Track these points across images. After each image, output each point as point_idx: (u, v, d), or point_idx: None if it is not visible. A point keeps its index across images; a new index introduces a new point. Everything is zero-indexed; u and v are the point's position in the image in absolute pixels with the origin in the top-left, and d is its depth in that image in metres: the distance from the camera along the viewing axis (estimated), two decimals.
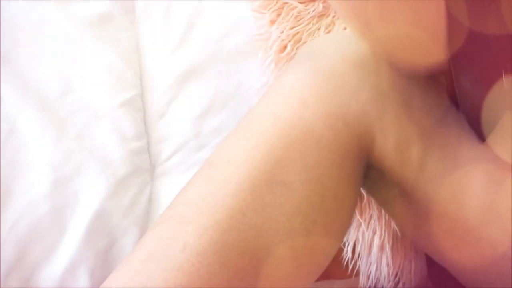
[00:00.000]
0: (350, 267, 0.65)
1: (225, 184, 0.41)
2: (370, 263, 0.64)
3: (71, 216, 0.63)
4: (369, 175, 0.46)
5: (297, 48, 0.69)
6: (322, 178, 0.41)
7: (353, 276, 0.65)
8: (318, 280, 0.45)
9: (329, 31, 0.69)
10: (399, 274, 0.64)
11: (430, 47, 0.41)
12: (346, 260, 0.65)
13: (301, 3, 0.73)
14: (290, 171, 0.41)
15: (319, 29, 0.70)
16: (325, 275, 0.52)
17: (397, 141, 0.44)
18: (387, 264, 0.64)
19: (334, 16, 0.71)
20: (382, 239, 0.63)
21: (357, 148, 0.43)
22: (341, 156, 0.42)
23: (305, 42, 0.69)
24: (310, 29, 0.71)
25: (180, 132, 0.72)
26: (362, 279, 0.65)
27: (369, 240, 0.64)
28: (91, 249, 0.62)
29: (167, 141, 0.72)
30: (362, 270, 0.65)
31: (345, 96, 0.43)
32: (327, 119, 0.42)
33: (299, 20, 0.72)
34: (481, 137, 0.46)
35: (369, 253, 0.64)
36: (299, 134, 0.42)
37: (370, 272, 0.64)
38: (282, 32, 0.72)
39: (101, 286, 0.39)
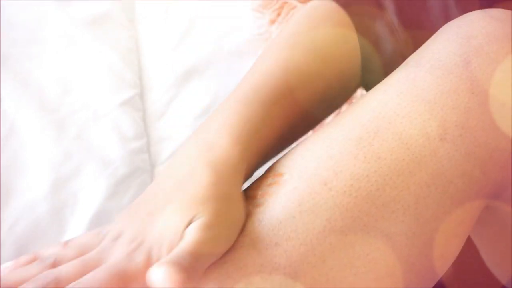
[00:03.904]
0: None
1: (312, 216, 0.32)
2: None
3: (70, 216, 0.63)
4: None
5: None
6: (433, 234, 0.33)
7: None
8: None
9: None
10: None
11: None
12: None
13: (301, 2, 0.73)
14: (396, 220, 0.32)
15: None
16: None
17: None
18: None
19: None
20: None
21: (485, 198, 0.35)
22: (463, 210, 0.33)
23: None
24: None
25: (180, 132, 0.72)
26: None
27: None
28: None
29: (167, 141, 0.72)
30: None
31: (495, 137, 0.33)
32: (463, 163, 0.33)
33: None
34: None
35: None
36: (426, 175, 0.33)
37: None
38: None
39: None
